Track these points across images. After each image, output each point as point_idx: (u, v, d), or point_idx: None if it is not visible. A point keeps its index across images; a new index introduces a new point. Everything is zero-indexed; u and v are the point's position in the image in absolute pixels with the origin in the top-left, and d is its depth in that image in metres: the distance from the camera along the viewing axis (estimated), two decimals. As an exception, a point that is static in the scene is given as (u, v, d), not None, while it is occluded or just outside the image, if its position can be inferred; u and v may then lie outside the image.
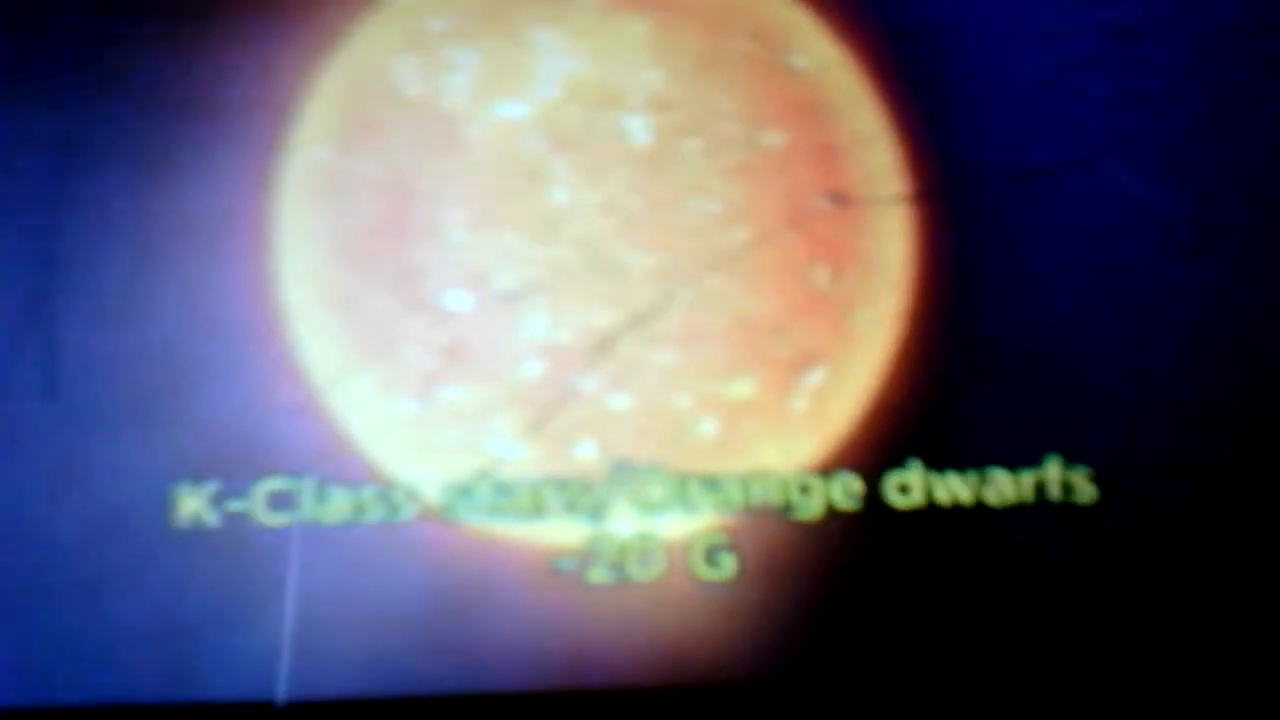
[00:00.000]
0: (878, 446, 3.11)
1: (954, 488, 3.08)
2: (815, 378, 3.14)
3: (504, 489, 3.11)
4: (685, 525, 3.09)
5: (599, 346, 3.15)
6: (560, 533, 3.09)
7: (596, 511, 3.10)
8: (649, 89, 3.27)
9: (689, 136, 3.25)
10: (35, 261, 3.20)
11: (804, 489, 3.09)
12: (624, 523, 3.09)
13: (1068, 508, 3.07)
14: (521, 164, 3.25)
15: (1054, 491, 3.08)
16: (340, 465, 3.11)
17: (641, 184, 3.23)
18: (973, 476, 3.08)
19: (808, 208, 3.20)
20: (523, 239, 3.21)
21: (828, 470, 3.10)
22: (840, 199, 3.20)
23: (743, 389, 3.13)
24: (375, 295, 3.19)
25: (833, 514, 3.08)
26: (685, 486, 3.10)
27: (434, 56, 3.30)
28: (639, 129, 3.26)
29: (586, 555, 3.07)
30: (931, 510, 3.07)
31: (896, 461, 3.10)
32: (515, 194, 3.23)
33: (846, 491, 3.09)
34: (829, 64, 3.27)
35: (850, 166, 3.22)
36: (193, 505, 3.08)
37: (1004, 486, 3.08)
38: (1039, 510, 3.07)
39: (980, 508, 3.07)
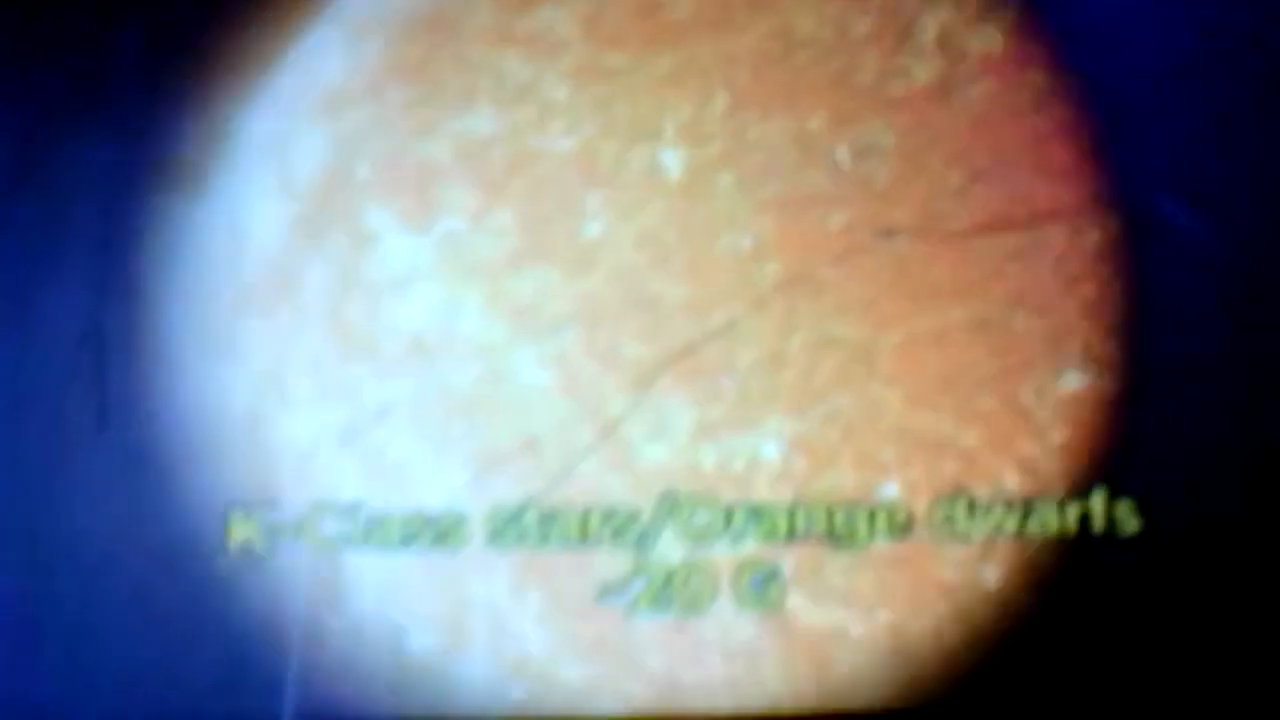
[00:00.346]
0: (925, 476, 3.08)
1: (999, 519, 3.05)
2: (851, 408, 3.11)
3: (551, 517, 3.07)
4: (731, 554, 3.06)
5: (648, 374, 3.13)
6: (607, 561, 3.06)
7: (643, 540, 3.07)
8: (684, 122, 3.27)
9: (728, 170, 3.24)
10: (89, 290, 3.19)
11: (850, 517, 3.06)
12: (670, 552, 3.06)
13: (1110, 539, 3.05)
14: (557, 198, 3.25)
15: (1098, 523, 3.05)
16: (391, 493, 3.10)
17: (678, 217, 3.22)
18: (1017, 507, 3.06)
19: (853, 243, 3.19)
20: (558, 273, 3.20)
21: (873, 499, 3.07)
22: (889, 233, 3.19)
23: (785, 420, 3.11)
24: (419, 326, 3.19)
25: (879, 542, 3.05)
26: (731, 515, 3.07)
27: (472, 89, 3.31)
28: (674, 162, 3.25)
29: (633, 584, 3.04)
30: (978, 539, 3.05)
31: (944, 491, 3.07)
32: (551, 228, 3.23)
33: (893, 521, 3.06)
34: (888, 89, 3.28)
35: (898, 201, 3.21)
36: (246, 532, 3.08)
37: (1048, 517, 3.05)
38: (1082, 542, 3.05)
39: (1018, 538, 3.05)
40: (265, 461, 3.13)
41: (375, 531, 3.09)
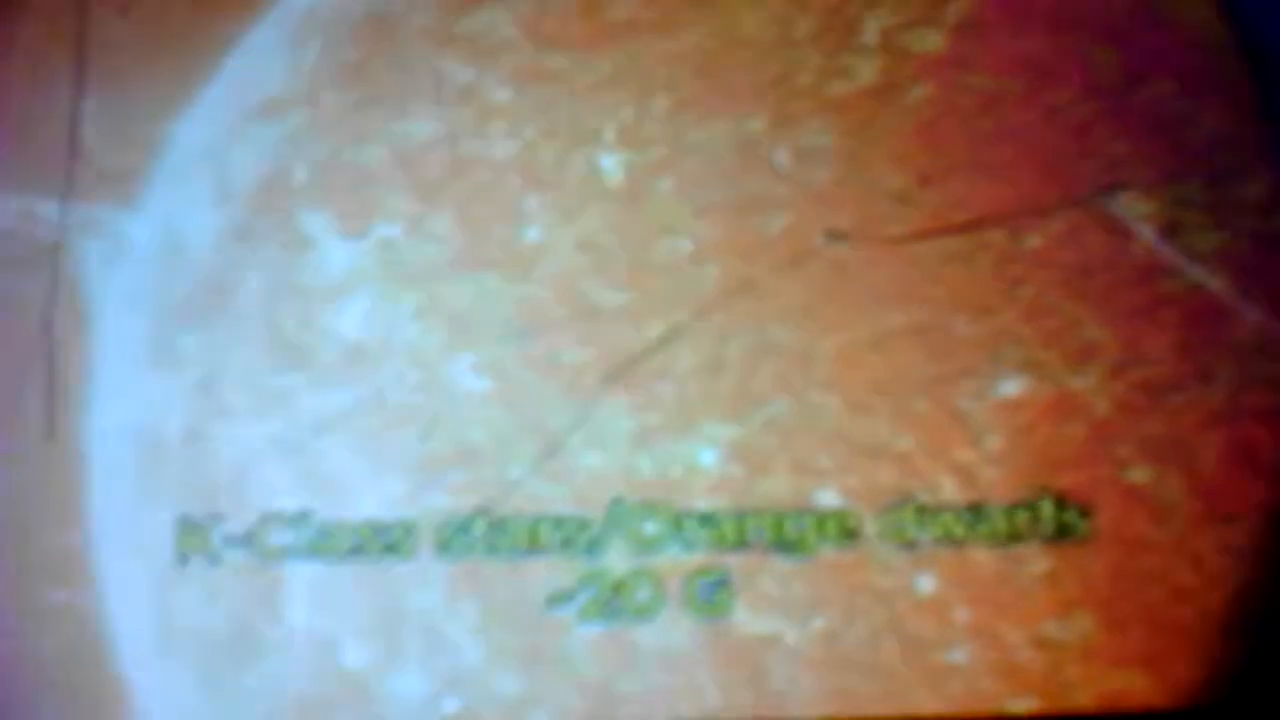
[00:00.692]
0: (862, 481, 3.06)
1: (947, 524, 3.03)
2: (789, 414, 3.09)
3: (500, 526, 3.07)
4: (682, 562, 3.05)
5: (591, 384, 3.11)
6: (545, 571, 3.06)
7: (593, 549, 3.06)
8: (624, 125, 3.24)
9: (668, 173, 3.22)
10: (41, 291, 3.20)
11: (800, 525, 3.04)
12: (620, 560, 3.05)
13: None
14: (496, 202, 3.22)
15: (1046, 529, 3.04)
16: (329, 504, 3.10)
17: (618, 222, 3.20)
18: (962, 514, 3.04)
19: (794, 247, 3.16)
20: (497, 278, 3.18)
21: (811, 504, 3.05)
22: (837, 237, 3.16)
23: (723, 427, 3.09)
24: (356, 333, 3.17)
25: (820, 550, 3.04)
26: (682, 523, 3.06)
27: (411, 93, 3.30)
28: (613, 166, 3.23)
29: (581, 593, 3.04)
30: (921, 546, 3.03)
31: (881, 496, 3.05)
32: (490, 233, 3.21)
33: (837, 528, 3.04)
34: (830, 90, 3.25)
35: (839, 204, 3.19)
36: (193, 542, 3.10)
37: (995, 523, 3.04)
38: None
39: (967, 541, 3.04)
40: (204, 473, 3.12)
41: (318, 543, 3.09)
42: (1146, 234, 3.14)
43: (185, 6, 3.33)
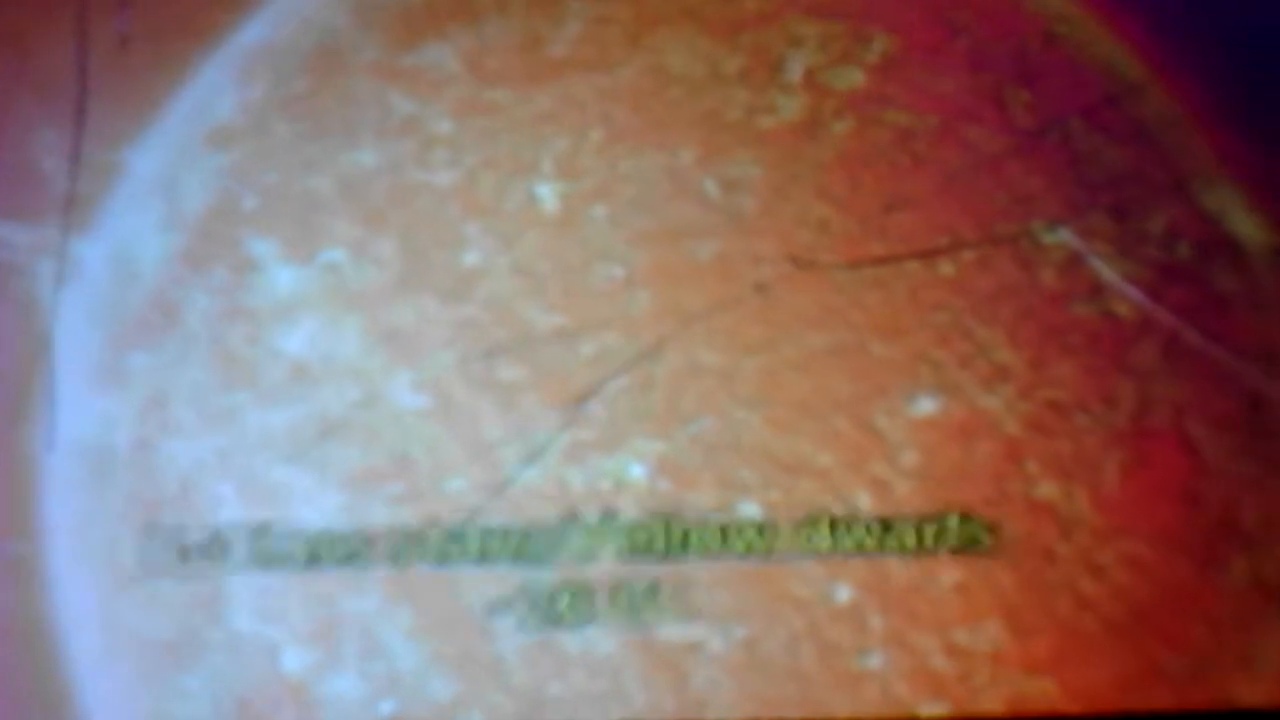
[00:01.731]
0: (783, 495, 3.20)
1: (863, 536, 3.17)
2: (714, 431, 3.23)
3: (435, 536, 3.20)
4: (611, 572, 3.19)
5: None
6: (488, 579, 3.18)
7: (525, 558, 3.19)
8: (561, 156, 3.39)
9: (601, 202, 3.36)
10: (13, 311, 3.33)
11: (723, 536, 3.18)
12: (551, 569, 3.18)
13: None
14: (437, 229, 3.36)
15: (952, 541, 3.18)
16: (281, 515, 3.23)
17: (553, 248, 3.33)
18: (874, 526, 3.18)
19: (721, 274, 3.31)
20: (436, 301, 3.31)
21: (734, 516, 3.19)
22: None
23: (651, 442, 3.23)
24: (300, 353, 3.31)
25: (739, 560, 3.17)
26: (611, 534, 3.20)
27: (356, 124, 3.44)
28: (549, 195, 3.37)
29: (513, 601, 3.17)
30: (834, 556, 3.17)
31: (801, 509, 3.20)
32: (430, 258, 3.34)
33: (763, 539, 3.18)
34: (757, 124, 3.41)
35: (765, 233, 3.34)
36: (140, 552, 3.22)
37: (904, 536, 3.18)
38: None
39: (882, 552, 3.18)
40: (153, 486, 3.24)
41: (261, 552, 3.20)
42: (1096, 263, 3.29)
43: (143, 37, 3.46)
